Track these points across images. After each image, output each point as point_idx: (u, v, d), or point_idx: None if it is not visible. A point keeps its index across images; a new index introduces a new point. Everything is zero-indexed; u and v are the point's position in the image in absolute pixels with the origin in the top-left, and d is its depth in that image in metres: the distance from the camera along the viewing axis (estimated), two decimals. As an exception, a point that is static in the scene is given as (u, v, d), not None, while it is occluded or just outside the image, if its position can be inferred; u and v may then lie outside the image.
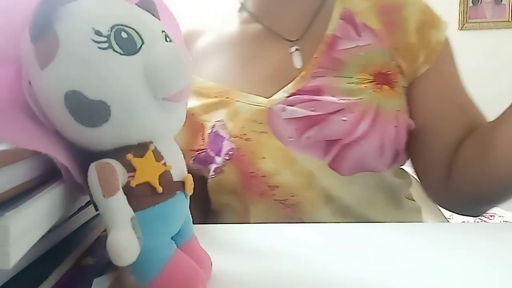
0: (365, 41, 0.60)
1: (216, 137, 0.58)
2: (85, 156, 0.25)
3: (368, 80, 0.58)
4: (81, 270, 0.27)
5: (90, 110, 0.24)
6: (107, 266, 0.29)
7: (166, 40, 0.27)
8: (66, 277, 0.25)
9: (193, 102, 0.61)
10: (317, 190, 0.56)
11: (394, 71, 0.60)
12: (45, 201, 0.22)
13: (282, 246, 0.41)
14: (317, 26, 0.64)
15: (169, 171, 0.27)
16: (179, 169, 0.28)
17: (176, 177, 0.28)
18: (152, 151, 0.26)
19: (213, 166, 0.58)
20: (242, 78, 0.62)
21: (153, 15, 0.28)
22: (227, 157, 0.57)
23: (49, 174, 0.25)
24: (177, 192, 0.28)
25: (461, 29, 2.95)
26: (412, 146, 0.63)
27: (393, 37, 0.61)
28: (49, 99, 0.24)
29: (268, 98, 0.58)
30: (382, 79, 0.58)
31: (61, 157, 0.23)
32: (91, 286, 0.26)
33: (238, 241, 0.44)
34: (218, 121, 0.58)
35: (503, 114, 0.55)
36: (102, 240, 0.31)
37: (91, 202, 0.25)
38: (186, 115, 0.60)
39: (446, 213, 0.81)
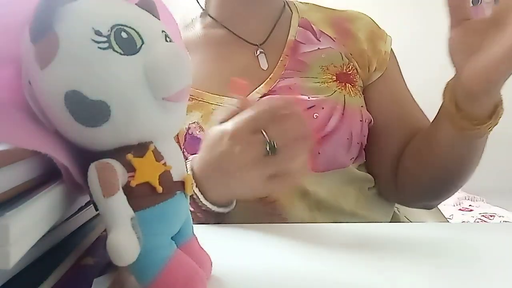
0: (325, 45, 0.66)
1: (193, 139, 0.60)
2: (85, 156, 0.25)
3: (332, 80, 0.64)
4: (81, 270, 0.27)
5: (90, 110, 0.24)
6: (107, 266, 0.29)
7: (166, 40, 0.27)
8: (66, 277, 0.25)
9: None
10: (294, 188, 0.59)
11: (353, 72, 0.66)
12: (45, 201, 0.22)
13: (282, 246, 0.41)
14: (278, 32, 0.68)
15: (169, 171, 0.27)
16: (179, 169, 0.28)
17: (176, 177, 0.28)
18: (152, 151, 0.26)
19: None
20: (211, 81, 0.64)
21: (153, 15, 0.28)
22: None
23: (49, 174, 0.25)
24: (177, 192, 0.28)
25: (461, 29, 2.94)
26: (366, 146, 0.68)
27: (347, 43, 0.68)
28: (49, 99, 0.24)
29: None
30: (344, 78, 0.64)
31: (61, 157, 0.23)
32: (91, 286, 0.26)
33: (238, 241, 0.44)
34: (192, 123, 0.60)
35: (435, 120, 0.59)
36: (102, 240, 0.31)
37: (91, 202, 0.25)
38: None
39: (446, 213, 0.82)
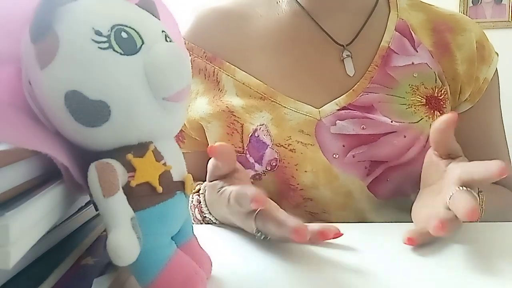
0: (421, 59, 0.59)
1: (258, 143, 0.55)
2: (85, 156, 0.25)
3: (421, 103, 0.57)
4: (81, 270, 0.27)
5: (90, 110, 0.24)
6: (107, 266, 0.29)
7: (166, 40, 0.27)
8: (66, 277, 0.25)
9: (234, 99, 0.57)
10: (352, 211, 0.55)
11: (444, 97, 0.59)
12: (45, 201, 0.22)
13: (282, 246, 0.41)
14: (370, 32, 0.61)
15: (169, 171, 0.27)
16: (179, 169, 0.28)
17: (176, 177, 0.28)
18: (152, 151, 0.26)
19: (251, 172, 0.56)
20: (290, 81, 0.58)
21: (153, 15, 0.28)
22: (269, 168, 0.55)
23: (49, 174, 0.25)
24: (177, 192, 0.28)
25: (461, 29, 2.93)
26: None
27: (442, 61, 0.60)
28: (49, 99, 0.24)
29: (318, 108, 0.55)
30: (434, 103, 0.58)
31: (61, 157, 0.23)
32: (91, 286, 0.26)
33: (238, 241, 0.44)
34: (261, 125, 0.56)
35: None
36: (102, 240, 0.31)
37: (91, 202, 0.25)
38: (224, 111, 0.57)
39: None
